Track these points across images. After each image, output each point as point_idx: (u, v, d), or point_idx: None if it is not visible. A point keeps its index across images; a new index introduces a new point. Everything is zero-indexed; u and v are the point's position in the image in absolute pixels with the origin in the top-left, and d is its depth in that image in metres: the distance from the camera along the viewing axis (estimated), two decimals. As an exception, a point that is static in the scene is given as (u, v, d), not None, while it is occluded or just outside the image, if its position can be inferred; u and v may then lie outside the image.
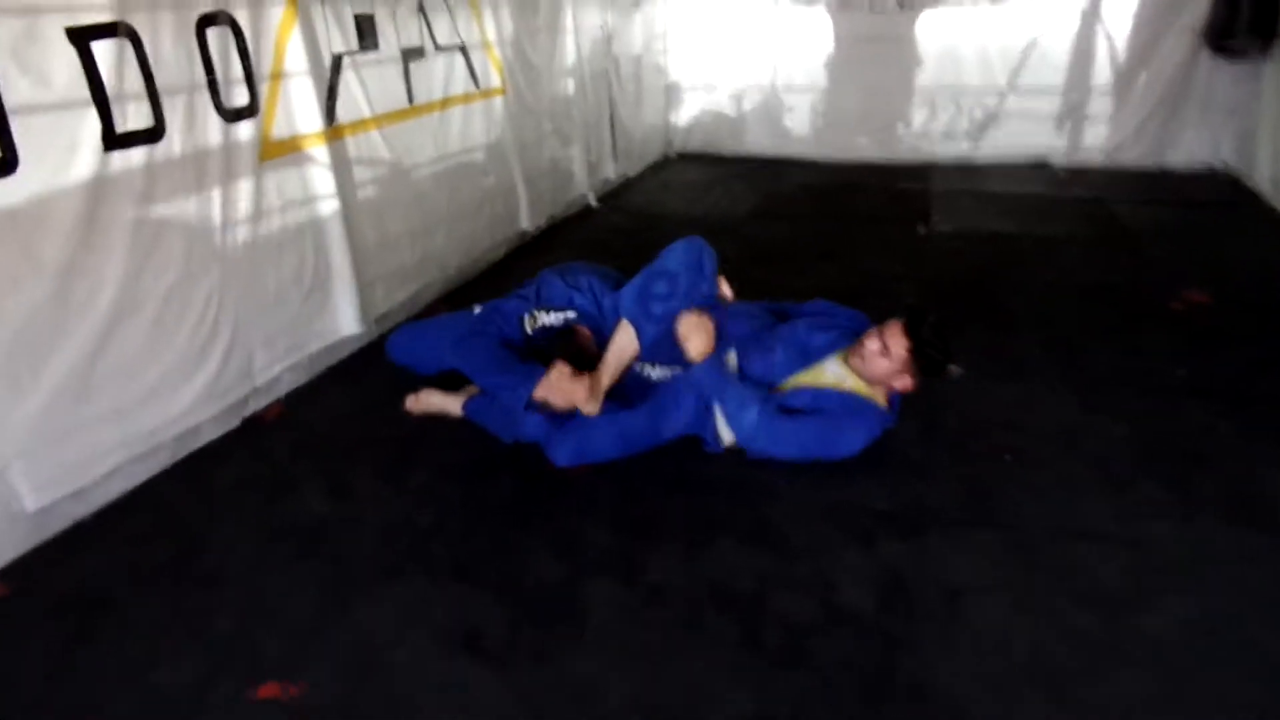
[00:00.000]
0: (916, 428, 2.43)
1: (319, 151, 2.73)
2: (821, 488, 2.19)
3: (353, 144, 2.94)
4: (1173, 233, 4.30)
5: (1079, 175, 5.59)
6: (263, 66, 2.48)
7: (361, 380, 2.88)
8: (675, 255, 2.29)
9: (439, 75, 3.45)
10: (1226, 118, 5.37)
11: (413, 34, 3.26)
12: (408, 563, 1.94)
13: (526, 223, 4.26)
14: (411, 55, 3.26)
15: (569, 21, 4.61)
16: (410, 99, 3.27)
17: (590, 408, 2.25)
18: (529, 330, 2.46)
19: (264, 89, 2.50)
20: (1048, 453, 2.33)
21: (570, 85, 4.71)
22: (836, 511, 2.10)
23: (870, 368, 2.21)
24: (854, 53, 6.07)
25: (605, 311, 2.44)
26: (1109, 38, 5.53)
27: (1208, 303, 3.32)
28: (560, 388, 2.23)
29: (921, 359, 2.16)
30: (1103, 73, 5.63)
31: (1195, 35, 5.22)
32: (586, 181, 5.04)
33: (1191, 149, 5.56)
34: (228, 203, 2.40)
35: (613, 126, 5.45)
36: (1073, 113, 5.80)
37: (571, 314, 2.47)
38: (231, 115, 2.38)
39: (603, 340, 2.38)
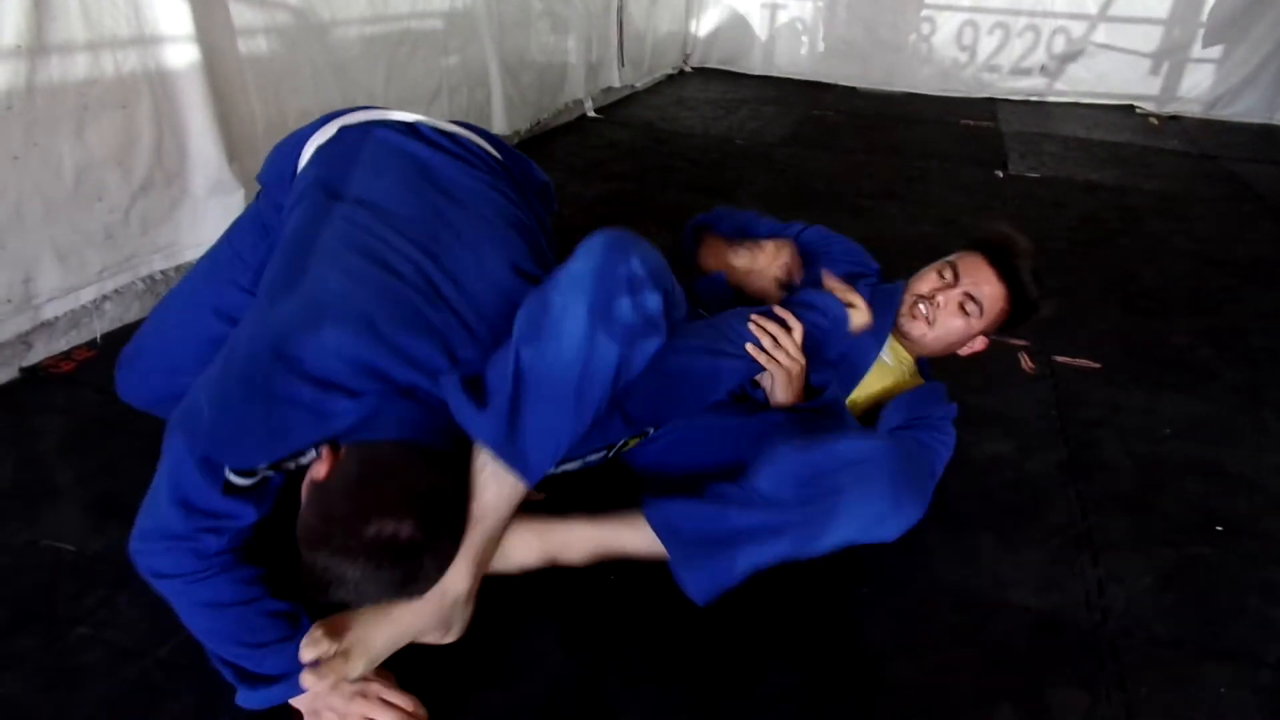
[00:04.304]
0: (1057, 464, 1.56)
1: (166, -35, 1.77)
2: (906, 567, 1.32)
3: (231, -33, 1.97)
4: (1318, 201, 3.39)
5: (1171, 125, 4.65)
6: None
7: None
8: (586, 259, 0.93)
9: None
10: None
11: None
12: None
13: (502, 125, 3.28)
14: None
15: None
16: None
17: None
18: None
19: None
20: (1275, 520, 1.47)
21: (570, -45, 3.69)
22: (954, 617, 1.23)
23: (939, 331, 1.45)
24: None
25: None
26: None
27: None
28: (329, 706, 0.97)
29: (1022, 305, 1.46)
30: (1218, 5, 4.63)
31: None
32: (584, 85, 4.03)
33: (1312, 106, 4.64)
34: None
35: (620, 23, 4.43)
36: (1174, 51, 4.82)
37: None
38: None
39: None
